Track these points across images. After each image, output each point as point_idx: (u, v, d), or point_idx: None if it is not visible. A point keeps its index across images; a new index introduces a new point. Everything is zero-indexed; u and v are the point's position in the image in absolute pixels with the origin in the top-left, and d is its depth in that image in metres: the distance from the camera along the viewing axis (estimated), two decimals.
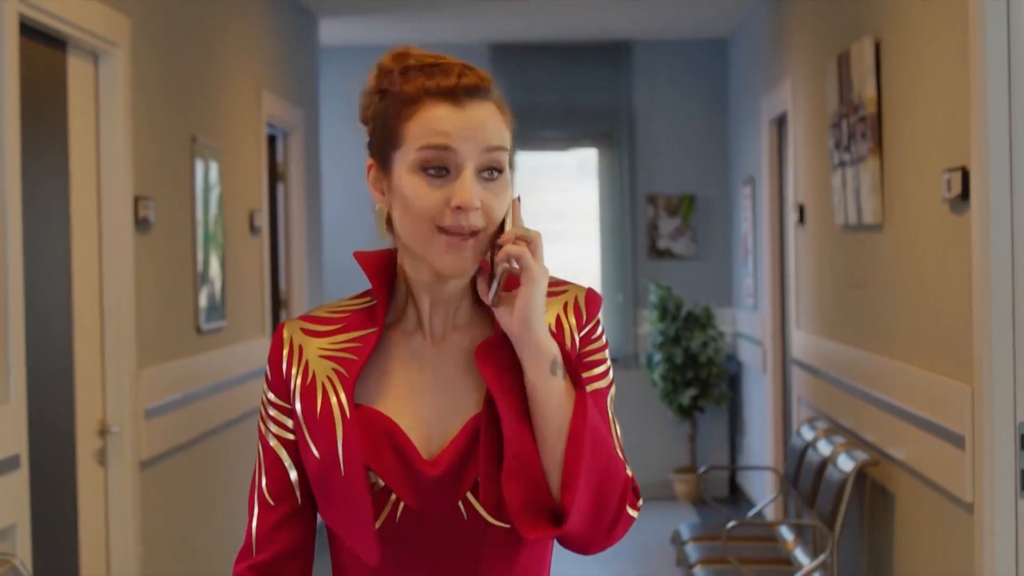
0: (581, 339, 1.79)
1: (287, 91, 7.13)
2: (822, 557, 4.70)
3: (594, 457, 1.68)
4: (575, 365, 1.73)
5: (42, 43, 4.02)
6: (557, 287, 1.80)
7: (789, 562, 5.29)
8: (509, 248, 1.69)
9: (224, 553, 5.74)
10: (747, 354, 8.35)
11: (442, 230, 1.69)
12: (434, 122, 1.70)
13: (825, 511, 4.81)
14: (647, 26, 8.74)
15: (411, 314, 1.80)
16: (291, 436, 1.80)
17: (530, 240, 1.70)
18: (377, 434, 1.74)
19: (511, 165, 1.76)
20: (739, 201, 8.54)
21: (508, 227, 1.71)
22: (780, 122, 7.10)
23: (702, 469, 6.23)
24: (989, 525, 3.57)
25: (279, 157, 7.27)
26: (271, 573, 1.81)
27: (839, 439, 5.09)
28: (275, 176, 7.16)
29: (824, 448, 5.15)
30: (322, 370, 1.78)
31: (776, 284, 7.28)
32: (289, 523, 1.81)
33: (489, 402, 1.73)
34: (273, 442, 1.81)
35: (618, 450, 1.75)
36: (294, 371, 1.80)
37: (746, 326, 8.38)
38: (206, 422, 5.39)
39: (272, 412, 1.82)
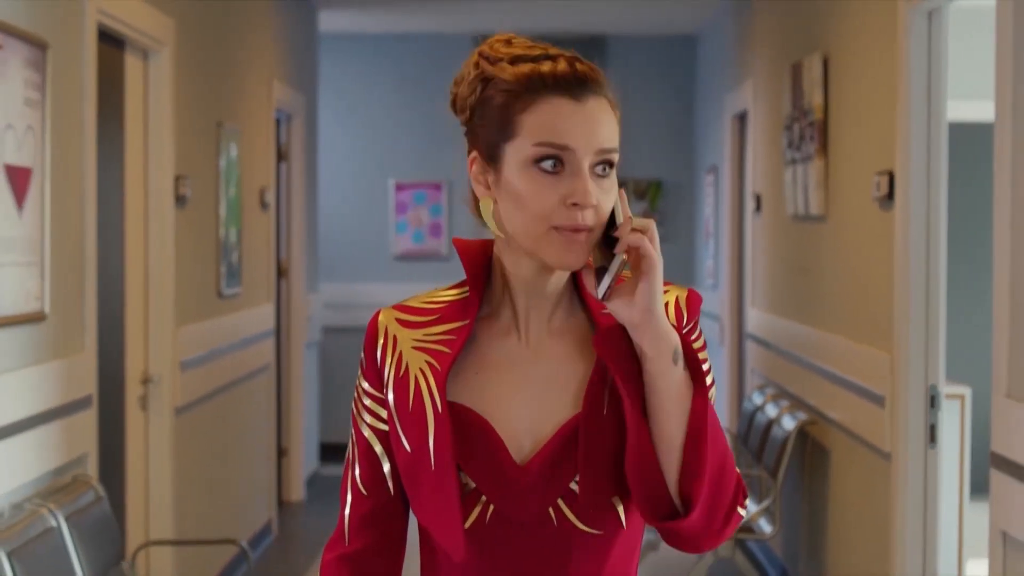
0: (682, 338, 1.73)
1: (291, 78, 7.78)
2: (766, 503, 5.43)
3: (714, 449, 1.65)
4: (696, 357, 1.69)
5: (107, 44, 4.67)
6: None
7: None
8: (630, 238, 1.64)
9: (240, 486, 6.44)
10: (706, 329, 9.06)
11: (556, 228, 1.65)
12: (555, 118, 1.65)
13: (770, 464, 5.53)
14: (621, 21, 9.42)
15: (506, 313, 1.76)
16: (385, 426, 1.77)
17: (646, 229, 1.65)
18: (471, 434, 1.71)
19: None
20: (703, 188, 9.24)
21: (620, 218, 1.67)
22: (742, 118, 7.78)
23: None
24: (903, 471, 4.29)
25: (282, 139, 7.93)
26: (362, 563, 1.79)
27: (784, 403, 5.81)
28: (279, 156, 7.81)
29: (771, 411, 5.87)
30: (415, 362, 1.74)
31: (735, 266, 7.98)
32: (382, 514, 1.79)
33: (590, 404, 1.70)
34: (367, 432, 1.79)
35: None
36: (388, 361, 1.76)
37: (707, 303, 9.08)
38: (225, 376, 6.07)
39: (367, 401, 1.79)
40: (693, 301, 1.78)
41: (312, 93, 8.55)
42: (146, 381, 5.08)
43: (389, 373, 1.76)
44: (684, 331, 1.75)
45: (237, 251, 6.32)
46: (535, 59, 1.67)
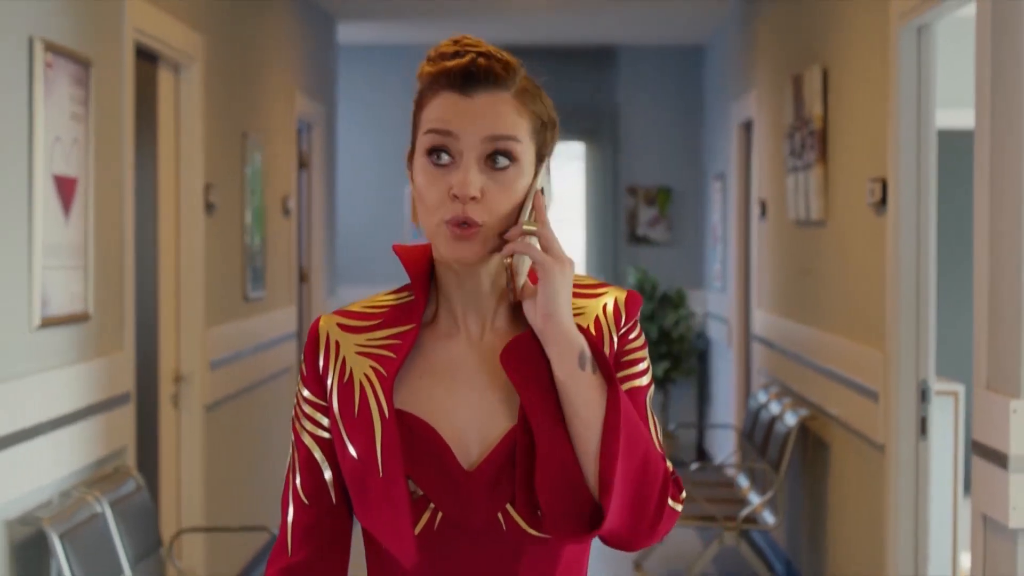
0: (619, 338, 1.74)
1: (311, 89, 8.05)
2: (769, 494, 5.68)
3: (631, 452, 1.64)
4: (606, 360, 1.67)
5: (142, 60, 4.94)
6: (596, 289, 1.77)
7: (743, 502, 6.27)
8: (512, 245, 1.66)
9: (265, 480, 6.70)
10: (715, 331, 9.31)
11: (445, 221, 1.66)
12: (441, 110, 1.67)
13: (773, 458, 5.78)
14: (631, 33, 9.67)
15: (447, 315, 1.75)
16: (326, 434, 1.75)
17: (536, 233, 1.66)
18: (417, 441, 1.69)
19: (542, 157, 1.72)
20: (710, 194, 9.48)
21: (525, 219, 1.67)
22: (748, 127, 8.02)
23: (672, 427, 7.17)
24: (896, 461, 4.53)
25: (303, 147, 8.20)
26: (306, 574, 1.76)
27: (787, 400, 6.06)
28: (300, 164, 8.08)
29: (774, 408, 6.11)
30: (360, 368, 1.72)
31: (741, 269, 8.22)
32: (324, 523, 1.76)
33: (524, 419, 1.68)
34: (307, 439, 1.76)
35: (656, 445, 1.70)
36: (331, 368, 1.74)
37: (714, 306, 9.34)
38: (251, 375, 6.34)
39: (307, 409, 1.76)
40: (632, 302, 1.77)
41: (332, 103, 8.82)
42: (178, 379, 5.34)
43: (333, 379, 1.74)
44: (622, 331, 1.75)
45: (261, 256, 6.58)
46: (448, 56, 1.68)
